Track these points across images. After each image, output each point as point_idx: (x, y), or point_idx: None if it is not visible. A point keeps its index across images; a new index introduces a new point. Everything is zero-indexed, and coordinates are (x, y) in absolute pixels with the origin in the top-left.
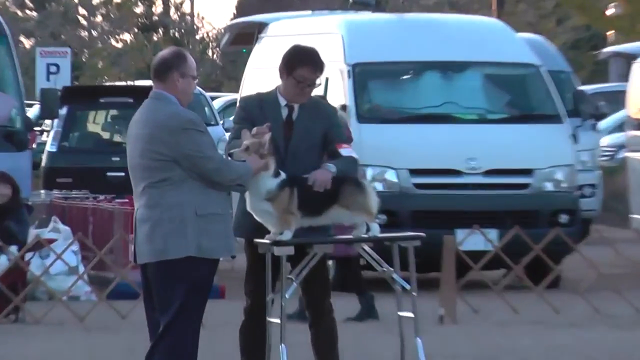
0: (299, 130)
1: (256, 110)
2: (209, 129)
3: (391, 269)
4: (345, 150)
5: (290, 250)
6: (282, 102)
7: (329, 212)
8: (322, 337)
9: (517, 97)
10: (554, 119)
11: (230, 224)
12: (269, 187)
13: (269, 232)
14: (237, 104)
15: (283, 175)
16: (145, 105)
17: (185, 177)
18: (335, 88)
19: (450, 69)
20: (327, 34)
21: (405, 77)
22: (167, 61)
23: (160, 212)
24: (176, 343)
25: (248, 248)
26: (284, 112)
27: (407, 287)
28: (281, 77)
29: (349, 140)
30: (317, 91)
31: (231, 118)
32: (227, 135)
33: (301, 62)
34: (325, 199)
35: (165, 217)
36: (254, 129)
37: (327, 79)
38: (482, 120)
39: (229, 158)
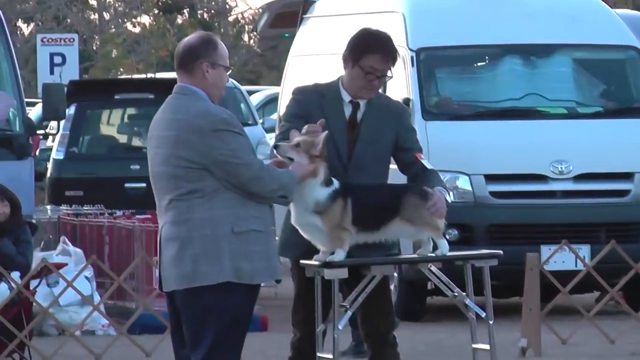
0: (365, 132)
1: (313, 105)
2: (246, 129)
3: (464, 293)
4: (428, 163)
5: (343, 273)
6: (346, 97)
7: (389, 227)
8: None
9: (614, 87)
10: None
11: (273, 243)
12: (317, 198)
13: (318, 252)
14: (289, 95)
15: (336, 183)
16: (169, 102)
17: (218, 188)
18: (396, 80)
19: (533, 53)
20: (386, 13)
21: (480, 64)
22: (194, 49)
23: (190, 229)
24: None
25: (296, 271)
26: (348, 110)
27: (483, 314)
28: (345, 66)
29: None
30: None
31: (272, 116)
32: (268, 136)
33: (370, 50)
34: (385, 211)
35: (196, 235)
36: (305, 127)
37: None
38: (572, 115)
39: (275, 152)
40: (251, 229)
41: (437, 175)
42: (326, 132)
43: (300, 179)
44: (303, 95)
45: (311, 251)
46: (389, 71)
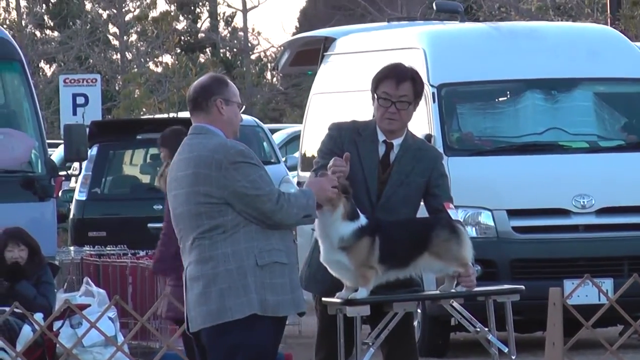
0: (397, 173)
1: (348, 142)
2: (268, 167)
3: (486, 328)
4: (454, 213)
5: (365, 310)
6: (381, 137)
7: (418, 262)
8: None
9: (636, 120)
10: None
11: (296, 275)
12: (342, 234)
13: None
14: (325, 131)
15: (362, 219)
16: (185, 143)
17: (240, 222)
18: (418, 115)
19: (555, 87)
20: (407, 49)
21: (501, 99)
22: (207, 87)
23: (214, 266)
24: None
25: (320, 308)
26: (381, 150)
27: (505, 349)
28: (373, 103)
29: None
30: None
31: (295, 154)
32: (291, 174)
33: (383, 77)
34: (413, 247)
35: (221, 270)
36: (332, 161)
37: None
38: (594, 149)
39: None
40: (275, 261)
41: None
42: (347, 165)
43: (317, 193)
44: (338, 132)
45: (336, 288)
46: (407, 97)
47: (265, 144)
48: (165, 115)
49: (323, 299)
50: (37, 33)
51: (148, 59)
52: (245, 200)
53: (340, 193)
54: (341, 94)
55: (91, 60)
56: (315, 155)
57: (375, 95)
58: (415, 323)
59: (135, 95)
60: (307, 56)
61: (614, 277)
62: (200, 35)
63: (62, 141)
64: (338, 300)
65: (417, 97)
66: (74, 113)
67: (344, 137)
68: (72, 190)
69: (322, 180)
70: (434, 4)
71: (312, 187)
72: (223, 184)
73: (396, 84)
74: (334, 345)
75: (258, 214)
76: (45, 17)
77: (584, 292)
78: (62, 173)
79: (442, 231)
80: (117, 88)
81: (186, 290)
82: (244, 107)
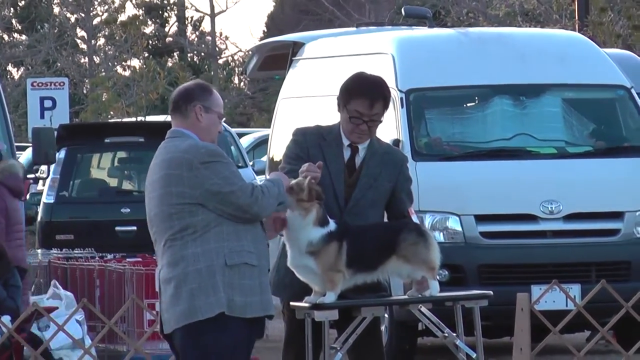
0: (365, 177)
1: (313, 147)
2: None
3: (454, 334)
4: (415, 219)
5: (333, 314)
6: (345, 141)
7: (386, 266)
8: None
9: (604, 126)
10: None
11: (266, 278)
12: (310, 239)
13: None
14: (289, 136)
15: (331, 224)
16: (161, 147)
17: (210, 222)
18: (386, 120)
19: (523, 93)
20: (376, 55)
21: (469, 104)
22: (189, 92)
23: (185, 266)
24: None
25: (288, 312)
26: (347, 154)
27: (473, 354)
28: (338, 110)
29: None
30: None
31: (263, 158)
32: (258, 178)
33: (356, 94)
34: (381, 251)
35: (191, 270)
36: (305, 165)
37: None
38: (562, 155)
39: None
40: (245, 262)
41: None
42: (309, 178)
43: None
44: (303, 137)
45: (304, 292)
46: (378, 116)
47: (232, 148)
48: (133, 119)
49: (291, 303)
50: (5, 36)
51: (116, 63)
52: (219, 197)
53: (313, 199)
54: (310, 98)
55: (59, 64)
56: (290, 161)
57: (345, 108)
58: (383, 328)
59: (103, 99)
60: (275, 61)
61: (581, 282)
62: (168, 39)
63: (29, 144)
64: (306, 305)
65: (386, 110)
66: (42, 116)
67: (309, 142)
68: (40, 193)
69: (279, 172)
70: (402, 10)
71: (276, 176)
72: (195, 183)
73: (370, 105)
74: (301, 349)
75: (234, 209)
76: (13, 21)
77: (551, 297)
78: (30, 176)
79: (410, 235)
80: (84, 92)
81: (160, 294)
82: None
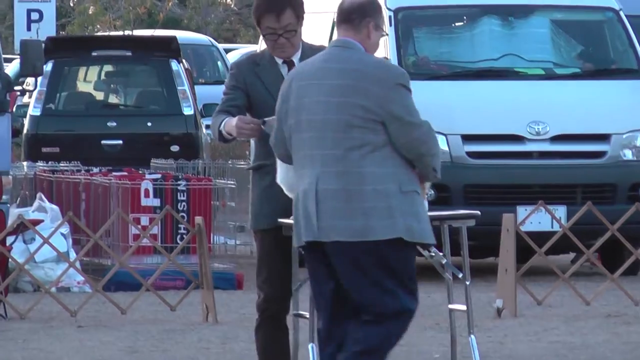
0: None
1: (250, 75)
2: (223, 87)
3: (440, 253)
4: None
5: None
6: (279, 59)
7: None
8: None
9: (592, 48)
10: (636, 74)
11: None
12: None
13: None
14: (229, 70)
15: None
16: (332, 53)
17: (387, 144)
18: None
19: (511, 14)
20: None
21: (457, 24)
22: (364, 7)
23: (360, 182)
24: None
25: (260, 236)
26: (284, 70)
27: (459, 274)
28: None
29: None
30: None
31: None
32: None
33: (262, 11)
34: None
35: (368, 189)
36: (237, 118)
37: None
38: (549, 76)
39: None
40: (414, 189)
41: None
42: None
43: None
44: (238, 69)
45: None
46: (292, 25)
47: (219, 63)
48: (120, 33)
49: (280, 220)
50: None
51: None
52: (397, 124)
53: None
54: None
55: None
56: (228, 92)
57: (260, 27)
58: None
59: (90, 12)
60: None
61: (567, 204)
62: None
63: (15, 56)
64: (293, 222)
65: (300, 19)
66: (28, 29)
67: (244, 72)
68: (26, 105)
69: None
70: None
71: None
72: (383, 102)
73: (276, 17)
74: (273, 269)
75: (405, 141)
76: None
77: (537, 219)
78: (17, 88)
79: None
80: (71, 5)
81: (317, 200)
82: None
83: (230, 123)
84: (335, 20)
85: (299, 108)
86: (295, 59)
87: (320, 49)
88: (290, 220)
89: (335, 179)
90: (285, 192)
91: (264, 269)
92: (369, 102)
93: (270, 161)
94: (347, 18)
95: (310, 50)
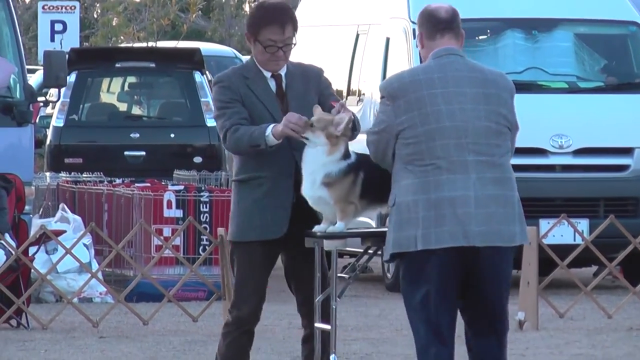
0: (294, 100)
1: (242, 87)
2: None
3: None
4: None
5: (342, 243)
6: (267, 73)
7: None
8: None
9: (615, 62)
10: None
11: None
12: (329, 171)
13: (277, 235)
14: (214, 85)
15: (352, 157)
16: (458, 62)
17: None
18: (397, 51)
19: (535, 27)
20: None
21: (481, 37)
22: (458, 14)
23: (511, 188)
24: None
25: (244, 250)
26: (272, 84)
27: None
28: (249, 44)
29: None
30: (374, 60)
31: None
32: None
33: (265, 23)
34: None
35: (515, 195)
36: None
37: (387, 40)
38: (572, 90)
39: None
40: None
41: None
42: (350, 113)
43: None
44: (229, 81)
45: (271, 231)
46: (290, 39)
47: None
48: (144, 45)
49: (306, 232)
50: None
51: None
52: (516, 132)
53: (344, 135)
54: (319, 27)
55: None
56: (229, 105)
57: (257, 40)
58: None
59: (114, 24)
60: None
61: (590, 217)
62: None
63: (39, 67)
64: (317, 234)
65: (296, 32)
66: (52, 40)
67: (236, 84)
68: (50, 116)
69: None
70: None
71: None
72: (512, 110)
73: (281, 29)
74: (260, 280)
75: (512, 149)
76: None
77: (559, 232)
78: (40, 99)
79: None
80: (95, 16)
81: (475, 204)
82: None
83: (277, 128)
84: (425, 29)
85: (439, 115)
86: (283, 73)
87: (298, 64)
88: (314, 232)
89: (492, 184)
90: (311, 204)
91: (249, 281)
92: (505, 110)
93: (264, 173)
94: (449, 26)
95: (292, 65)
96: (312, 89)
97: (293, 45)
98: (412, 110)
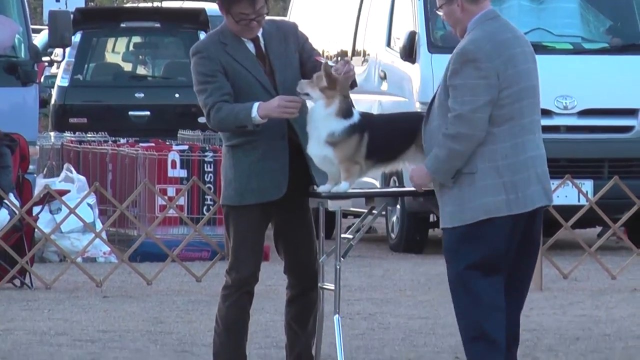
0: (276, 59)
1: (222, 55)
2: None
3: None
4: (330, 62)
5: (347, 204)
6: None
7: (404, 156)
8: (305, 312)
9: (621, 23)
10: None
11: None
12: (332, 130)
13: (276, 197)
14: (193, 56)
15: (355, 116)
16: (506, 23)
17: None
18: (402, 12)
19: None
20: None
21: None
22: None
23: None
24: None
25: (250, 213)
26: (251, 46)
27: None
28: (221, 12)
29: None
30: (379, 20)
31: None
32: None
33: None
34: (401, 141)
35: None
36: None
37: (392, 2)
38: (577, 51)
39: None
40: None
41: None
42: (348, 64)
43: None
44: (207, 51)
45: (269, 194)
46: (263, 9)
47: None
48: (149, 5)
49: (312, 190)
50: None
51: None
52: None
53: (335, 87)
54: None
55: None
56: (210, 79)
57: (229, 14)
58: (394, 219)
59: None
60: None
61: (594, 178)
62: None
63: (43, 27)
64: (320, 194)
65: (268, 1)
66: (57, 0)
67: (216, 53)
68: (54, 76)
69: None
70: None
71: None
72: None
73: (251, 4)
74: (257, 242)
75: None
76: None
77: (563, 192)
78: (45, 59)
79: None
80: None
81: (544, 162)
82: None
83: (267, 106)
84: None
85: (524, 75)
86: (259, 34)
87: (271, 21)
88: (318, 192)
89: (541, 143)
90: (316, 164)
91: (247, 244)
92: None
93: (257, 137)
94: None
95: (267, 24)
96: (291, 45)
97: (265, 14)
98: (507, 69)
